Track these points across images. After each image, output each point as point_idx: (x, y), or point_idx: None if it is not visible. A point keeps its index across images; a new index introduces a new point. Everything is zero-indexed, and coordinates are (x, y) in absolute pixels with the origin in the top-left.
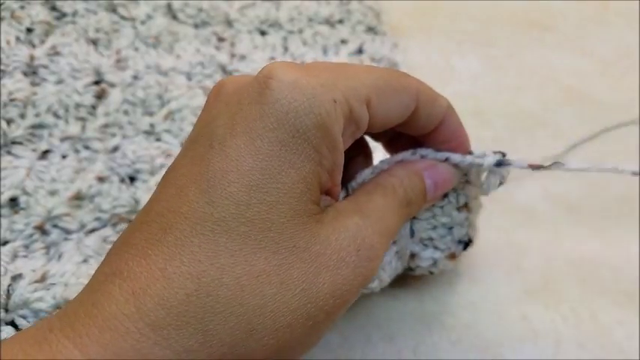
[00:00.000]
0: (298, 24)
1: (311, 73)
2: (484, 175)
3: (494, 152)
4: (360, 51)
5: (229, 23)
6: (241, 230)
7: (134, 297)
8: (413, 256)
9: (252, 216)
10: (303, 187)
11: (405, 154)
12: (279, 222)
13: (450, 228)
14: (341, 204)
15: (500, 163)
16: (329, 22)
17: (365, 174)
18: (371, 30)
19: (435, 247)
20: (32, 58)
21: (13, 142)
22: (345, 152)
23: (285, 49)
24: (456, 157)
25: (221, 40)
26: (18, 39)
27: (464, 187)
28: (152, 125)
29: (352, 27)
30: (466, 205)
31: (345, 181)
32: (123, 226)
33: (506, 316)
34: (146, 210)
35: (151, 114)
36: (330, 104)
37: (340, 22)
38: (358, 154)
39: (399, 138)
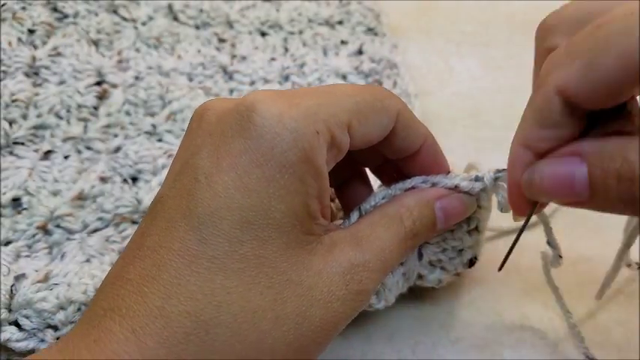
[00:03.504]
0: (298, 25)
1: (292, 103)
2: (496, 196)
3: (499, 170)
4: (359, 52)
5: (230, 24)
6: (236, 267)
7: (134, 335)
8: (420, 276)
9: (246, 252)
10: (293, 220)
11: (417, 181)
12: (273, 257)
13: (460, 250)
14: (338, 233)
15: (497, 178)
16: (329, 23)
17: (377, 197)
18: (370, 31)
19: (443, 269)
20: (34, 59)
21: (15, 143)
22: (340, 173)
23: (286, 49)
24: (466, 185)
25: (222, 41)
26: (20, 40)
27: (475, 211)
28: (154, 126)
29: (352, 28)
30: (476, 228)
31: (350, 203)
32: (125, 226)
33: (505, 316)
34: (137, 243)
35: (152, 114)
36: (313, 137)
37: (340, 23)
38: (353, 175)
39: (386, 164)
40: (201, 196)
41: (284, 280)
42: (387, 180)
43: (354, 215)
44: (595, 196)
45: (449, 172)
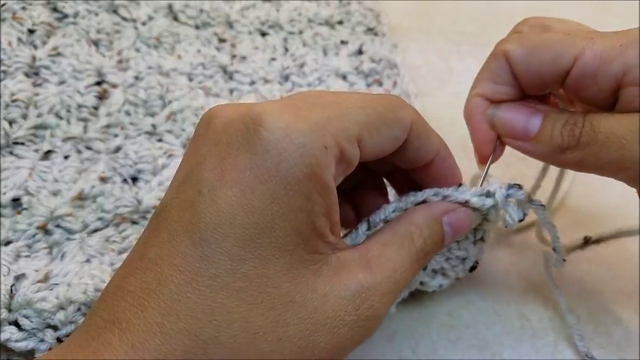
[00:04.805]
0: (298, 25)
1: (301, 116)
2: (505, 213)
3: (511, 185)
4: (359, 52)
5: (230, 24)
6: (237, 286)
7: (133, 350)
8: (421, 282)
9: (248, 271)
10: (297, 239)
11: (428, 193)
12: (276, 277)
13: (464, 259)
14: (346, 254)
15: (509, 195)
16: (329, 23)
17: (388, 210)
18: (370, 31)
19: (444, 275)
20: (34, 59)
21: (15, 143)
22: (351, 177)
23: (286, 49)
24: (476, 201)
25: (222, 41)
26: (20, 40)
27: (483, 223)
28: (154, 126)
29: (352, 28)
30: (482, 238)
31: (362, 206)
32: (125, 226)
33: (505, 316)
34: (139, 253)
35: (152, 114)
36: (320, 152)
37: (340, 23)
38: (366, 178)
39: (398, 171)
40: (204, 210)
41: (287, 301)
42: (399, 187)
43: (363, 227)
44: (541, 132)
45: (461, 184)
